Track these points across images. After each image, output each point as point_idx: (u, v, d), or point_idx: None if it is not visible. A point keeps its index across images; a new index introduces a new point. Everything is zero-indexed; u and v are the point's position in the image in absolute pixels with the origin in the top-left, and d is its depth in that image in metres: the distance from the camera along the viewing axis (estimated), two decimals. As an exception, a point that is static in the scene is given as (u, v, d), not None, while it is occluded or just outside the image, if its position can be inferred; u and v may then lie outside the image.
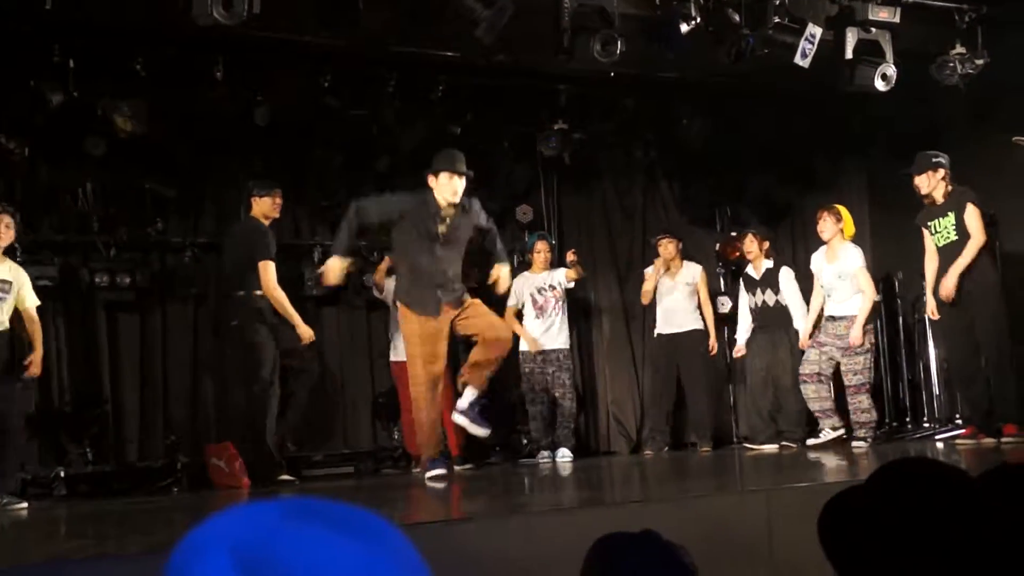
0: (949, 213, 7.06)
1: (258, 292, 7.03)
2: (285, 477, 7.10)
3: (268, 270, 7.04)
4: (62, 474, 7.24)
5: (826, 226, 7.78)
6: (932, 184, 7.09)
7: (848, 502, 1.48)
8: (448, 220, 6.40)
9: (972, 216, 6.97)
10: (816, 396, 7.76)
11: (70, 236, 7.72)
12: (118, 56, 7.05)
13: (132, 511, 6.11)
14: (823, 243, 7.93)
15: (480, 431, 6.57)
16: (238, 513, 0.76)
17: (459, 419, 6.50)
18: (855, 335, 7.58)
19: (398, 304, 6.68)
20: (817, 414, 7.81)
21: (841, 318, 7.70)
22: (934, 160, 7.11)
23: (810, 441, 7.83)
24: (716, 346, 8.76)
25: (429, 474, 6.41)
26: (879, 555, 1.38)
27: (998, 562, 1.36)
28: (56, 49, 6.82)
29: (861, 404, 7.66)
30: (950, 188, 7.11)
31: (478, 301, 6.69)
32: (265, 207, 7.19)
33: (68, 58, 6.88)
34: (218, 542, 0.73)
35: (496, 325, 6.68)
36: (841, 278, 7.71)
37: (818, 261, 7.93)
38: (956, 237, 7.03)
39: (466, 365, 6.67)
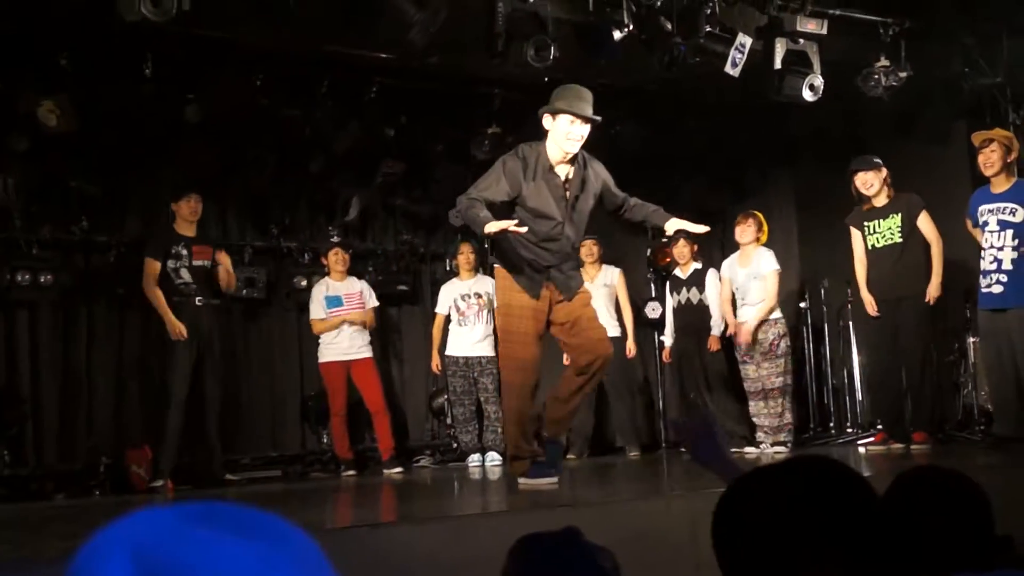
0: (893, 215, 7.18)
1: (172, 295, 7.21)
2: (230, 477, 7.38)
3: (146, 267, 7.24)
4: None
5: (747, 231, 7.94)
6: (879, 184, 7.21)
7: (739, 495, 1.49)
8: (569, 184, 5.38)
9: (928, 222, 7.10)
10: (766, 412, 7.85)
11: (-9, 233, 7.54)
12: (43, 50, 6.89)
13: (51, 514, 5.99)
14: (738, 247, 8.10)
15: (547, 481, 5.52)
16: (140, 517, 0.75)
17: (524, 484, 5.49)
18: (744, 334, 7.72)
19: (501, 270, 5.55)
20: (764, 430, 7.86)
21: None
22: (874, 161, 7.25)
23: (749, 450, 7.88)
24: (634, 349, 8.71)
25: (537, 481, 5.42)
26: (766, 548, 1.39)
27: (889, 560, 1.38)
28: (-24, 42, 6.66)
29: (779, 408, 7.80)
30: (893, 192, 7.25)
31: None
32: (182, 211, 7.36)
33: (-10, 52, 6.72)
34: (120, 546, 0.73)
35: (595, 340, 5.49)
36: (756, 279, 7.85)
37: (730, 265, 8.07)
38: (900, 239, 7.15)
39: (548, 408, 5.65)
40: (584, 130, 5.28)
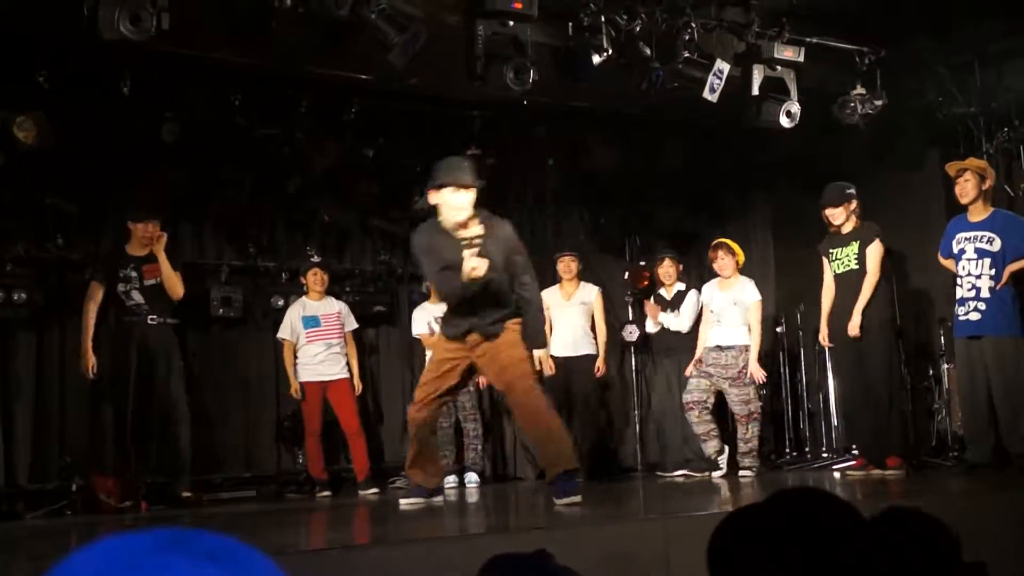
0: (852, 243, 7.25)
1: (124, 316, 7.27)
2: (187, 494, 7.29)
3: (89, 289, 7.32)
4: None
5: (726, 263, 8.01)
6: (845, 216, 7.28)
7: (739, 525, 1.51)
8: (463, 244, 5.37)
9: (874, 252, 7.15)
10: (699, 421, 7.91)
11: (-35, 250, 7.47)
12: (20, 67, 6.86)
13: (22, 534, 5.92)
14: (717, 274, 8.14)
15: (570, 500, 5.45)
16: (104, 545, 0.75)
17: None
18: (755, 371, 7.79)
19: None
20: (702, 437, 7.92)
21: (729, 348, 7.90)
22: (847, 192, 7.30)
23: (716, 474, 7.93)
24: (603, 368, 8.64)
25: (563, 501, 5.34)
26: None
27: None
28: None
29: (747, 434, 7.84)
30: (859, 222, 7.31)
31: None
32: (137, 232, 7.38)
33: (-34, 68, 6.69)
34: (83, 574, 0.72)
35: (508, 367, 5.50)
36: (736, 305, 7.91)
37: (710, 290, 8.13)
38: (856, 267, 7.22)
39: None
40: (464, 198, 5.36)
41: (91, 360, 7.19)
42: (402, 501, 6.05)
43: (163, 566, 0.72)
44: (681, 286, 8.57)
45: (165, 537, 0.75)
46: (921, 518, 2.00)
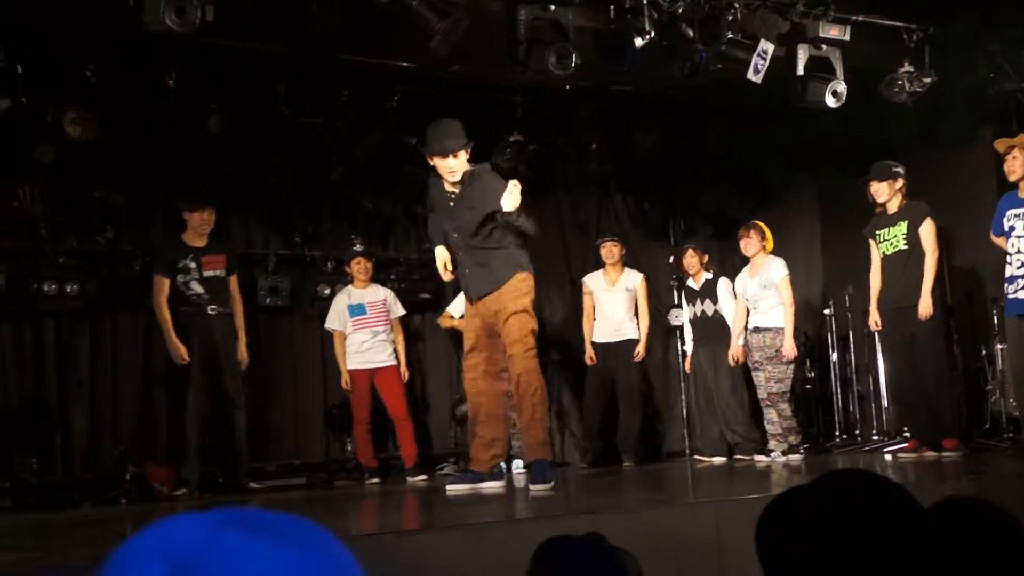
0: (900, 222, 7.16)
1: (183, 307, 7.31)
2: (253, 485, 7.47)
3: (155, 284, 7.30)
4: (7, 485, 7.13)
5: (751, 243, 7.93)
6: (890, 193, 7.18)
7: (786, 508, 1.49)
8: (456, 198, 5.87)
9: (928, 231, 7.06)
10: (771, 419, 7.81)
11: (18, 243, 7.59)
12: (68, 62, 6.95)
13: (78, 522, 6.02)
14: (747, 260, 8.08)
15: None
16: (172, 522, 0.76)
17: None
18: (788, 348, 7.71)
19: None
20: (776, 438, 7.82)
21: (766, 330, 7.83)
22: (894, 169, 7.21)
23: (760, 458, 7.87)
24: (643, 353, 8.63)
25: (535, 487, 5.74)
26: (812, 558, 1.40)
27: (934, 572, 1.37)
28: (2, 54, 6.72)
29: (782, 412, 7.76)
30: (905, 201, 7.21)
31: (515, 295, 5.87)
32: (193, 222, 7.40)
33: (16, 63, 6.78)
34: (152, 551, 0.73)
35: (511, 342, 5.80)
36: (766, 287, 7.84)
37: (742, 279, 8.07)
38: (905, 246, 7.12)
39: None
40: (452, 163, 5.73)
41: (181, 348, 7.19)
42: (449, 487, 6.11)
43: (233, 544, 0.72)
44: (708, 275, 8.49)
45: (234, 516, 0.75)
46: (985, 508, 1.95)
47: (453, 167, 5.76)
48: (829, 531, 1.40)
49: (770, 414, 7.82)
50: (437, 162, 5.80)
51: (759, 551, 1.48)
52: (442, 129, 5.82)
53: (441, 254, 6.10)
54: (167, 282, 7.28)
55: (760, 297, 7.88)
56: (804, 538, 1.42)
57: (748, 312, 8.00)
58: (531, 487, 5.79)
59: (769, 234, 8.06)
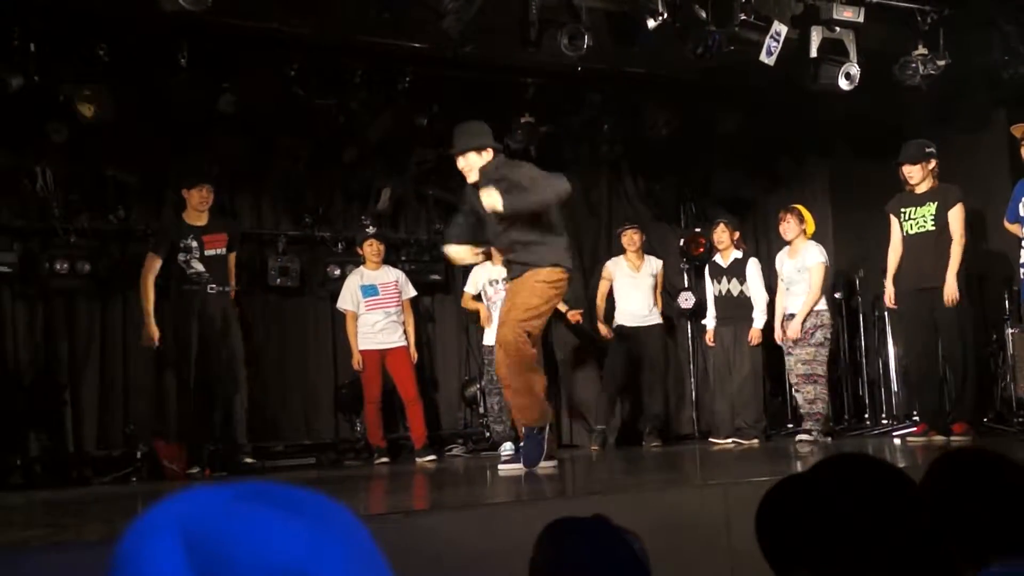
0: (929, 203, 7.10)
1: (184, 285, 7.32)
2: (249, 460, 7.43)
3: (146, 261, 7.35)
4: (18, 463, 7.18)
5: (790, 227, 7.89)
6: (923, 174, 7.13)
7: (784, 493, 1.50)
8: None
9: (957, 215, 7.00)
10: (813, 398, 7.79)
11: (30, 222, 7.62)
12: (81, 41, 6.96)
13: (90, 499, 6.06)
14: (786, 242, 8.03)
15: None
16: (188, 495, 0.77)
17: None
18: (793, 328, 7.70)
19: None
20: (808, 420, 7.80)
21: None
22: (927, 150, 7.15)
23: (802, 437, 7.81)
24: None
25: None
26: (811, 543, 1.41)
27: (931, 556, 1.38)
28: (16, 32, 6.73)
29: (808, 395, 7.74)
30: (936, 182, 7.17)
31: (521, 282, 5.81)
32: (192, 200, 7.41)
33: (29, 42, 6.79)
34: (167, 523, 0.74)
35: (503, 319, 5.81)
36: (801, 272, 7.81)
37: (781, 258, 8.05)
38: (932, 228, 7.07)
39: None
40: (461, 163, 5.80)
41: (154, 331, 7.27)
42: (500, 467, 6.16)
43: (249, 516, 0.73)
44: (738, 254, 8.45)
45: (249, 489, 0.76)
46: (982, 455, 1.96)
47: (462, 167, 5.83)
48: (827, 516, 1.41)
49: (800, 396, 7.83)
50: (458, 162, 5.87)
51: (759, 538, 1.50)
52: (459, 129, 5.90)
53: (451, 252, 6.03)
54: (159, 262, 7.32)
55: (795, 280, 7.85)
56: (803, 524, 1.44)
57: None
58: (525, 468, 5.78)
59: (810, 218, 8.01)
